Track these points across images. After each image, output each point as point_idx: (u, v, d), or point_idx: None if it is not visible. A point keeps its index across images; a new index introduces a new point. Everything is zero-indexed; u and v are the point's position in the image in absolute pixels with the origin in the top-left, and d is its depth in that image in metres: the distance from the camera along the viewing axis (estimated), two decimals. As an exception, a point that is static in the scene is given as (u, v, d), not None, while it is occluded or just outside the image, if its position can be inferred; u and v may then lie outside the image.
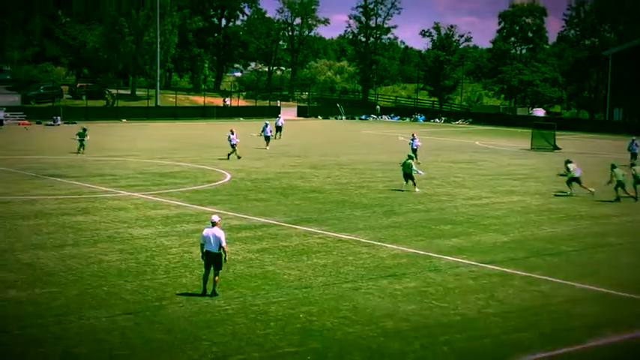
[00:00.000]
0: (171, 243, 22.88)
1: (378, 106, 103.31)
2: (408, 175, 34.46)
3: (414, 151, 45.05)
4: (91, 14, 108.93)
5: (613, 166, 33.44)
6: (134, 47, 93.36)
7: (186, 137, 62.06)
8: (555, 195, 34.55)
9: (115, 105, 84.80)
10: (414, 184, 34.34)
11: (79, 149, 46.05)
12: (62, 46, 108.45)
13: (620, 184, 33.01)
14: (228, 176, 38.18)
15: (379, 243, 23.73)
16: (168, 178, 37.00)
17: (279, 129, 61.16)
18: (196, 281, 18.38)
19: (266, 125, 53.08)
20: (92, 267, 19.93)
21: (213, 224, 17.61)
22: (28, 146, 51.33)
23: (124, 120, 79.52)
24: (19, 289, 17.74)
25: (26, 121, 72.54)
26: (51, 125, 71.41)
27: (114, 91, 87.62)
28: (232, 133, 45.68)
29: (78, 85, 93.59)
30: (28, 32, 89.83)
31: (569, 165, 35.02)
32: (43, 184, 34.46)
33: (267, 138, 52.54)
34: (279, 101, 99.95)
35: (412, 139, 46.70)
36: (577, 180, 34.24)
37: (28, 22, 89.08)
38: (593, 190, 33.98)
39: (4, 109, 67.92)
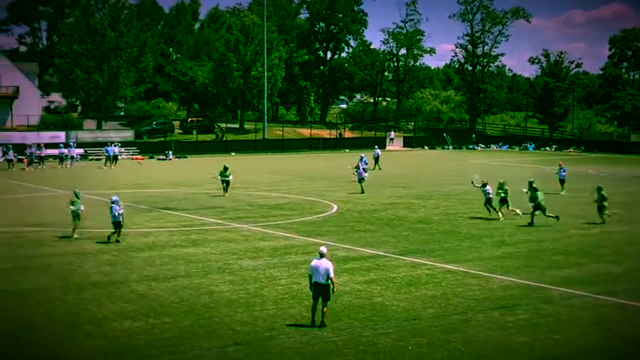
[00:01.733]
0: (279, 274, 23.05)
1: (473, 135, 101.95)
2: (503, 199, 34.27)
3: (562, 181, 44.51)
4: (201, 51, 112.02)
5: None
6: (242, 82, 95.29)
7: (293, 169, 62.69)
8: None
9: (224, 138, 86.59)
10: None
11: (224, 189, 42.45)
12: (173, 83, 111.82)
13: None
14: (335, 207, 38.31)
15: (489, 274, 23.31)
16: (276, 210, 37.39)
17: (376, 160, 61.05)
18: (305, 312, 18.43)
19: (361, 158, 52.74)
20: (203, 298, 20.26)
21: (322, 255, 17.67)
22: (141, 180, 52.84)
23: (233, 153, 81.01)
24: (134, 320, 18.18)
25: (139, 156, 74.82)
26: (163, 160, 73.42)
27: (223, 125, 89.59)
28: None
29: (189, 119, 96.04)
30: (140, 70, 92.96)
31: None
32: (155, 216, 35.37)
33: (365, 170, 51.90)
34: (392, 132, 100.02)
35: (560, 169, 45.82)
36: None
37: (141, 59, 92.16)
38: None
39: (119, 144, 70.26)
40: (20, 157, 62.69)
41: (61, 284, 21.69)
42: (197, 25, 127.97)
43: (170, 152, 75.12)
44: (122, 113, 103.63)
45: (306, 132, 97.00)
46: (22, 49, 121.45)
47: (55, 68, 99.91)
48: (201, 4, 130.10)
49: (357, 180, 45.59)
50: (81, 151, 71.31)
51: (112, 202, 27.95)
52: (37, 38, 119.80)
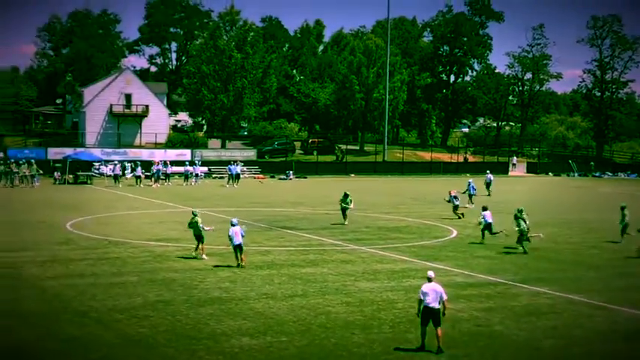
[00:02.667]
0: (397, 297, 22.90)
1: (592, 163, 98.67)
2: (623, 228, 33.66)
3: None
4: (323, 73, 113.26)
5: None
6: (364, 104, 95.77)
7: (412, 192, 62.38)
8: None
9: (344, 160, 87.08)
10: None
11: (344, 216, 40.06)
12: (296, 104, 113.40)
13: None
14: (455, 232, 37.85)
15: (614, 306, 22.47)
16: (394, 233, 37.24)
17: (488, 185, 59.96)
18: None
19: (469, 184, 51.86)
20: (320, 318, 20.33)
21: (430, 280, 17.58)
22: (262, 199, 53.69)
23: (353, 175, 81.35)
24: (252, 337, 18.41)
25: (261, 175, 76.13)
26: (284, 179, 74.44)
27: (343, 147, 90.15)
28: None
29: (310, 140, 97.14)
30: (264, 90, 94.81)
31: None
32: (275, 235, 35.81)
33: (471, 196, 51.10)
34: (515, 157, 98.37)
35: None
36: None
37: (265, 81, 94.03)
38: None
39: (242, 163, 71.72)
40: (147, 173, 64.78)
41: (184, 299, 22.21)
42: (321, 48, 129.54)
43: (291, 172, 76.10)
44: (245, 133, 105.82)
45: (426, 155, 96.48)
46: (153, 69, 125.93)
47: (182, 88, 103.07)
48: (325, 27, 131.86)
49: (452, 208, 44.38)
50: (205, 169, 73.15)
51: (232, 225, 27.26)
52: (166, 59, 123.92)
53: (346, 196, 39.94)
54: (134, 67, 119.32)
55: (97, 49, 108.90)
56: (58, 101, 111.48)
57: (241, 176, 67.96)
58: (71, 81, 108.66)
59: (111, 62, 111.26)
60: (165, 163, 66.93)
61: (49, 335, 18.34)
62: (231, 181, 65.29)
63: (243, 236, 27.17)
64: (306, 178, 76.32)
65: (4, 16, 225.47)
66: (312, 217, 43.40)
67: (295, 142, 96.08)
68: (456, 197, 43.46)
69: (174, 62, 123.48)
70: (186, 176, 66.54)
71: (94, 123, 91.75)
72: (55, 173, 64.98)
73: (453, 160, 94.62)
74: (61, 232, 35.10)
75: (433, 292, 17.37)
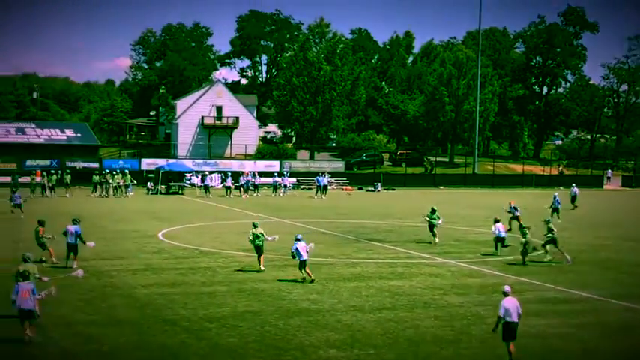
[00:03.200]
0: (486, 312, 22.51)
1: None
2: (552, 240, 32.49)
3: None
4: (413, 85, 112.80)
5: None
6: (454, 116, 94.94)
7: (503, 206, 61.26)
8: None
9: (433, 172, 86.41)
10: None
11: (432, 234, 37.19)
12: (384, 115, 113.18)
13: None
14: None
15: None
16: (484, 246, 36.67)
17: (573, 199, 58.39)
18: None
19: (554, 197, 50.65)
20: (408, 331, 20.14)
21: (506, 294, 17.47)
22: (350, 211, 53.68)
23: (442, 187, 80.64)
24: (340, 349, 18.36)
25: (349, 187, 76.16)
26: (371, 191, 74.31)
27: (432, 159, 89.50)
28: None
29: (398, 152, 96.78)
30: (353, 102, 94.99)
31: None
32: (363, 247, 35.73)
33: (557, 210, 49.80)
34: (610, 170, 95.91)
35: None
36: None
37: (354, 92, 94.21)
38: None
39: (329, 175, 71.96)
40: (237, 184, 65.58)
41: (272, 309, 22.32)
42: (410, 59, 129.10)
43: (379, 184, 75.90)
44: (334, 144, 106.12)
45: (518, 168, 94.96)
46: (243, 81, 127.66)
47: (272, 100, 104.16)
48: (415, 38, 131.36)
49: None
50: (293, 180, 73.61)
51: (297, 240, 26.58)
52: (257, 71, 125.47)
53: (433, 211, 37.15)
54: (225, 80, 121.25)
55: (189, 62, 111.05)
56: (152, 113, 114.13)
57: (329, 188, 68.15)
58: (164, 93, 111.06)
59: (203, 75, 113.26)
60: (254, 174, 67.66)
61: (141, 343, 18.68)
62: (319, 192, 65.51)
63: (307, 252, 26.65)
64: (394, 190, 76.02)
65: (100, 31, 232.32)
66: (400, 229, 43.17)
67: (384, 154, 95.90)
68: (516, 208, 43.56)
69: (265, 74, 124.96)
70: (274, 187, 67.11)
71: (185, 134, 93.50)
72: (148, 184, 66.44)
73: (545, 173, 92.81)
74: (154, 241, 35.80)
75: (514, 307, 17.22)
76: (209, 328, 20.04)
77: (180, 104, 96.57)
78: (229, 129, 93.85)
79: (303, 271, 26.62)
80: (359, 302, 23.56)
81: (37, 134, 78.21)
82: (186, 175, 70.25)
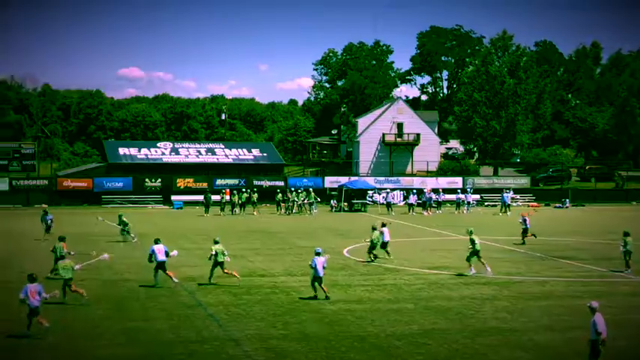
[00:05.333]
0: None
1: None
2: None
3: None
4: (601, 96, 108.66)
5: None
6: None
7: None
8: None
9: (624, 187, 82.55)
10: None
11: (626, 262, 32.25)
12: (571, 129, 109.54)
13: None
14: None
15: None
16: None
17: None
18: None
19: None
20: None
21: (596, 310, 16.93)
22: (537, 228, 52.05)
23: (634, 203, 76.90)
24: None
25: (535, 203, 74.10)
26: (559, 207, 71.91)
27: (624, 173, 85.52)
28: None
29: (587, 167, 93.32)
30: (538, 116, 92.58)
31: None
32: (552, 265, 34.53)
33: None
34: None
35: None
36: None
37: (539, 106, 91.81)
38: None
39: (512, 190, 70.34)
40: (419, 201, 65.27)
41: (460, 327, 21.95)
42: (598, 70, 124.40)
43: (567, 200, 73.37)
44: (518, 160, 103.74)
45: None
46: (424, 97, 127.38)
47: (454, 116, 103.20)
48: (602, 49, 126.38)
49: None
50: (477, 197, 72.43)
51: (317, 254, 26.07)
52: (437, 87, 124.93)
53: (626, 234, 32.23)
54: (406, 97, 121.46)
55: (370, 80, 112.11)
56: (334, 132, 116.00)
57: (514, 204, 66.60)
58: (346, 112, 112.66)
59: (383, 92, 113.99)
60: (436, 191, 67.17)
61: (331, 359, 18.82)
62: (503, 209, 64.10)
63: (324, 267, 25.91)
64: (583, 206, 73.20)
65: (283, 54, 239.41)
66: (591, 247, 41.43)
67: (571, 169, 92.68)
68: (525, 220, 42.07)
69: (445, 90, 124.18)
70: (457, 204, 66.29)
71: (367, 152, 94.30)
72: (332, 201, 67.39)
73: None
74: (339, 258, 36.14)
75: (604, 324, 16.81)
76: (397, 346, 19.93)
77: (362, 122, 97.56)
78: (410, 146, 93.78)
79: (316, 287, 25.88)
80: (550, 322, 22.74)
81: (225, 154, 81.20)
82: (369, 192, 70.68)
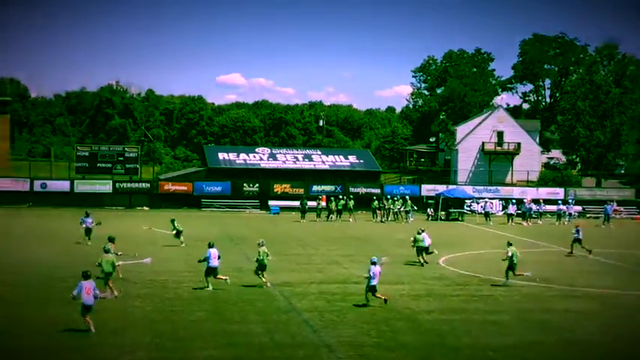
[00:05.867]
0: None
1: None
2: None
3: None
4: None
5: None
6: None
7: None
8: None
9: None
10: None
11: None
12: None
13: None
14: None
15: None
16: None
17: None
18: None
19: None
20: None
21: None
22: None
23: None
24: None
25: (639, 216, 71.99)
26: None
27: None
28: None
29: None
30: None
31: None
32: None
33: None
34: None
35: None
36: None
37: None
38: None
39: (615, 202, 68.43)
40: (518, 211, 64.10)
41: (555, 340, 21.46)
42: None
43: (675, 213, 70.91)
44: (622, 171, 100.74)
45: None
46: (525, 106, 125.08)
47: (556, 125, 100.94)
48: None
49: None
50: (579, 208, 70.71)
51: (373, 264, 25.93)
52: (540, 96, 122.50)
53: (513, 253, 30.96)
54: (507, 105, 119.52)
55: (470, 88, 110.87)
56: (432, 139, 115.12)
57: (616, 216, 64.72)
58: (444, 119, 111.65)
59: (484, 100, 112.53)
60: (537, 202, 65.82)
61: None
62: (605, 221, 62.37)
63: (378, 275, 25.78)
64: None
65: (382, 60, 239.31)
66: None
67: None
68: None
69: (548, 99, 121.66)
70: (558, 215, 64.83)
71: (465, 160, 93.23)
72: (429, 210, 66.85)
73: None
74: (435, 267, 35.79)
75: None
76: (494, 358, 19.58)
77: (461, 130, 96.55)
78: (510, 155, 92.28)
79: (369, 295, 25.63)
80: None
81: (322, 160, 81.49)
82: (467, 201, 69.81)
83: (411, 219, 62.48)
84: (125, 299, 25.81)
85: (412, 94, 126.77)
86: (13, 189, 67.65)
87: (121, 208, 67.89)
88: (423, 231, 37.13)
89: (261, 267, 28.89)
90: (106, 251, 26.24)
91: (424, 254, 36.50)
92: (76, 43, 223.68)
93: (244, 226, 54.17)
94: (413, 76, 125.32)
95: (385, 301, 25.69)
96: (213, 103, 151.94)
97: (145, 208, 68.50)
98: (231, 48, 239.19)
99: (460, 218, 65.73)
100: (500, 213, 68.82)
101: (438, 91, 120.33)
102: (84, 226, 41.30)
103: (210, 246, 28.50)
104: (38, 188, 68.02)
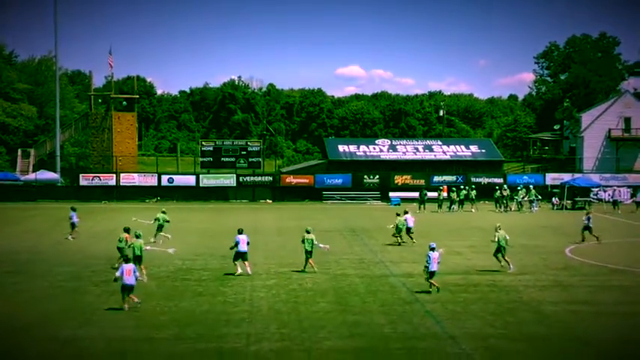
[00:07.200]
0: None
1: None
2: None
3: None
4: None
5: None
6: None
7: None
8: None
9: None
10: None
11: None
12: None
13: None
14: None
15: None
16: None
17: None
18: None
19: None
20: None
21: None
22: None
23: None
24: None
25: None
26: None
27: None
28: None
29: None
30: None
31: None
32: None
33: None
34: None
35: None
36: None
37: None
38: None
39: None
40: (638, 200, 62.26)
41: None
42: None
43: None
44: None
45: None
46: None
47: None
48: None
49: None
50: None
51: (432, 249, 26.33)
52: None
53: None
54: (635, 90, 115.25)
55: (595, 74, 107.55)
56: (556, 127, 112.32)
57: None
58: (569, 106, 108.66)
59: (610, 86, 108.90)
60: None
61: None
62: None
63: (438, 262, 26.30)
64: None
65: (503, 48, 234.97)
66: None
67: None
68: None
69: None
70: (692, 203, 62.21)
71: (591, 148, 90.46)
72: (553, 199, 65.33)
73: None
74: (561, 257, 35.00)
75: None
76: (630, 354, 19.02)
77: (586, 117, 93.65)
78: (638, 141, 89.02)
79: (430, 281, 26.08)
80: None
81: (443, 151, 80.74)
82: (593, 189, 67.80)
83: (536, 208, 61.18)
84: (252, 290, 26.40)
85: (535, 81, 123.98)
86: (142, 184, 70.11)
87: (244, 201, 69.32)
88: (406, 212, 39.73)
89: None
90: (137, 236, 28.33)
91: (402, 235, 38.59)
92: (198, 41, 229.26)
93: (366, 217, 54.33)
94: (535, 63, 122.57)
95: (438, 289, 25.99)
96: (332, 96, 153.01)
97: (268, 201, 69.70)
98: (349, 40, 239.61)
99: (586, 207, 63.90)
100: (629, 201, 66.55)
101: (562, 77, 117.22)
102: (71, 221, 40.82)
103: (240, 232, 29.57)
104: (165, 183, 70.25)
